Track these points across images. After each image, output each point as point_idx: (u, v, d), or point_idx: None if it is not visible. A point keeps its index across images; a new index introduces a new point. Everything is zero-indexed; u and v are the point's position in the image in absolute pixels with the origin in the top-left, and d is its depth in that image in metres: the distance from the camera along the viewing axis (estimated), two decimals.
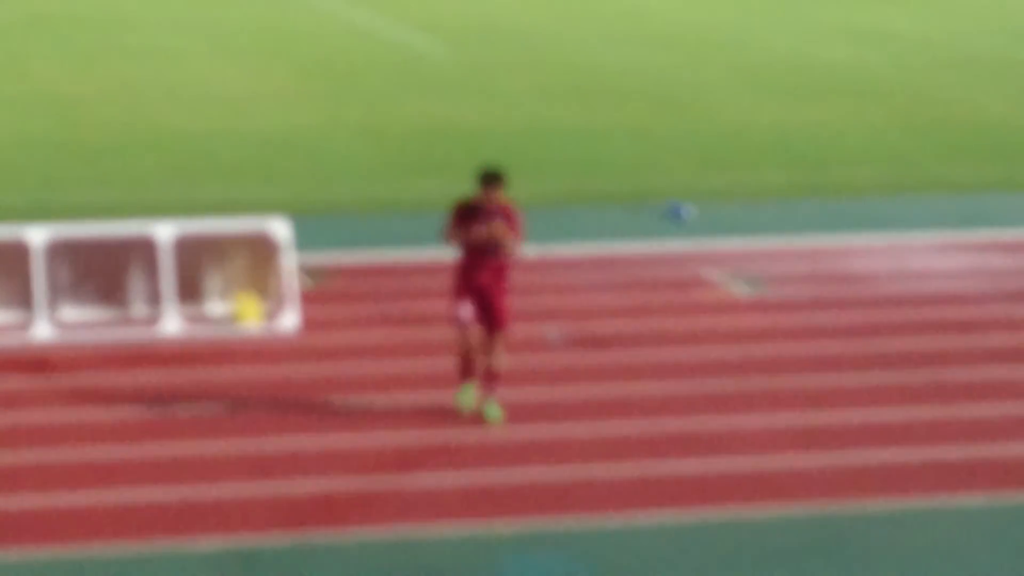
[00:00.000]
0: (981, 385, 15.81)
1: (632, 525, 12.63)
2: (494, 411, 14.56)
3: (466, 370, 14.55)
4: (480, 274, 14.27)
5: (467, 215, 14.22)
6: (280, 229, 17.49)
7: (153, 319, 17.23)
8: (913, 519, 12.82)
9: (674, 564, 12.00)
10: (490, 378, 14.57)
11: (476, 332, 14.37)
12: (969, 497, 13.20)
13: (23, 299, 17.11)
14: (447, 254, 14.74)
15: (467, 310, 14.30)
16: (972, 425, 14.78)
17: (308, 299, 17.83)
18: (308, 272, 18.65)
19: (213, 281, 17.68)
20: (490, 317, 14.36)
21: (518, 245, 14.32)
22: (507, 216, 14.18)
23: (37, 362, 16.23)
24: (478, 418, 14.54)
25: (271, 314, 17.36)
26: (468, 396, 14.56)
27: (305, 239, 18.73)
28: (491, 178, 14.12)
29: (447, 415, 14.64)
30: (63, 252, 17.34)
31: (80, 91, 30.60)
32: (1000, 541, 12.49)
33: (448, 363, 15.07)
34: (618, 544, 12.31)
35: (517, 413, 14.65)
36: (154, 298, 17.34)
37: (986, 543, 12.44)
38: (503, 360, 14.56)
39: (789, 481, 13.49)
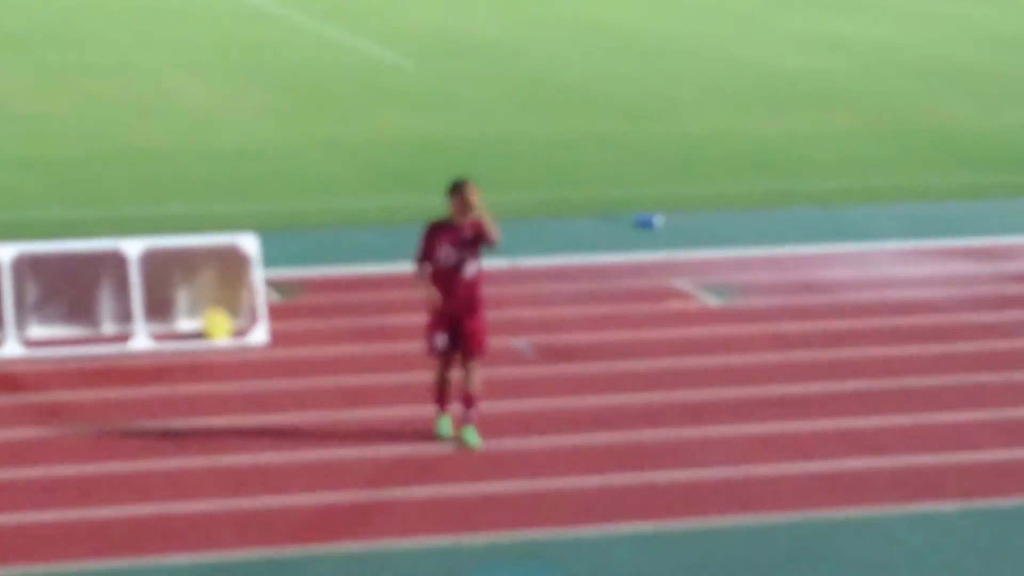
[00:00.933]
0: (950, 392, 15.88)
1: (604, 535, 12.66)
2: (472, 438, 14.44)
3: (442, 401, 14.53)
4: (454, 299, 14.22)
5: (441, 232, 14.18)
6: (249, 244, 17.50)
7: (122, 336, 17.23)
8: (885, 526, 12.87)
9: (643, 573, 12.04)
10: (467, 402, 14.45)
11: (451, 361, 14.38)
12: (940, 504, 13.25)
13: None
14: (417, 268, 14.75)
15: (442, 339, 14.27)
16: (942, 432, 14.85)
17: (277, 313, 17.84)
18: (277, 287, 18.67)
19: (182, 297, 17.68)
20: (466, 344, 14.30)
21: (495, 234, 14.18)
22: (478, 232, 14.13)
23: (5, 380, 16.20)
24: (454, 437, 14.53)
25: (240, 329, 17.37)
26: (445, 425, 14.54)
27: (273, 254, 18.75)
28: (461, 183, 14.14)
29: (418, 429, 14.65)
30: (30, 269, 17.33)
31: (47, 108, 30.58)
32: (972, 547, 12.55)
33: (418, 376, 15.11)
34: (591, 555, 12.34)
35: (489, 426, 14.65)
36: (123, 315, 17.34)
37: (958, 549, 12.50)
38: (479, 384, 14.55)
39: (760, 490, 13.53)
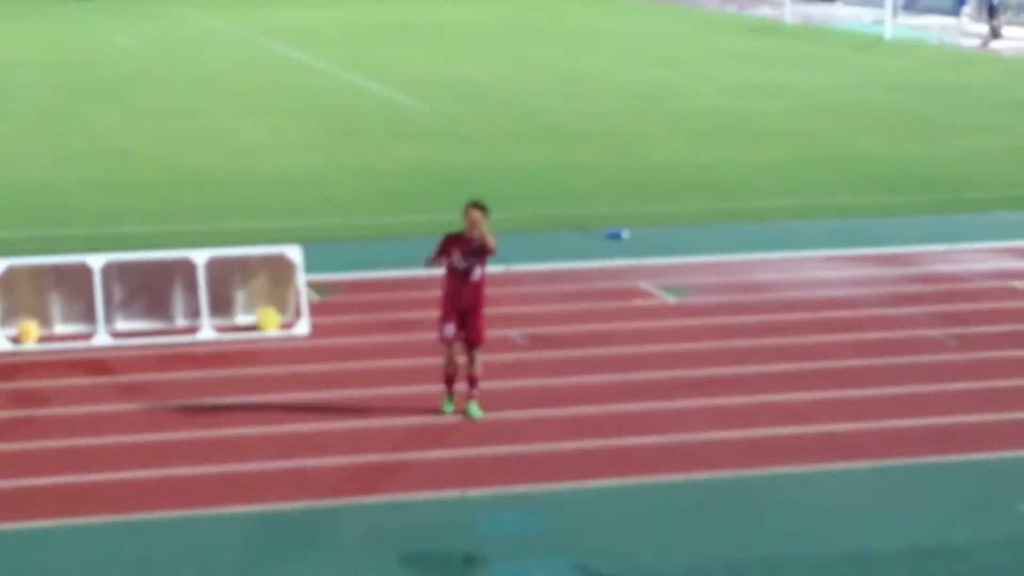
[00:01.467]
0: (861, 372, 15.90)
1: (582, 489, 12.69)
2: (475, 411, 14.47)
3: (449, 383, 14.55)
4: (462, 296, 14.30)
5: (451, 244, 14.25)
6: (294, 253, 17.53)
7: (191, 328, 17.26)
8: (809, 481, 12.91)
9: (614, 520, 12.07)
10: (471, 382, 14.48)
11: (458, 347, 14.40)
12: (853, 463, 13.30)
13: (86, 314, 17.15)
14: (429, 272, 14.76)
15: (450, 329, 14.32)
16: (854, 405, 14.88)
17: (317, 310, 17.87)
18: (316, 288, 18.68)
19: (240, 297, 17.70)
20: (470, 335, 14.36)
21: (493, 244, 14.22)
22: (481, 243, 14.18)
23: (98, 364, 16.25)
24: (459, 411, 14.55)
25: (287, 322, 17.39)
26: (449, 406, 14.55)
27: (314, 261, 18.76)
28: (475, 203, 14.19)
29: (432, 403, 14.67)
30: (117, 274, 17.36)
31: (130, 144, 30.59)
32: (878, 498, 12.59)
33: (431, 361, 15.09)
34: (570, 505, 12.36)
35: (488, 401, 14.68)
36: (192, 311, 17.37)
37: (867, 500, 12.54)
38: (480, 367, 14.57)
39: (708, 452, 13.56)
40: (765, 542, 11.65)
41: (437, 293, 14.63)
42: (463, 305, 14.28)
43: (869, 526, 11.98)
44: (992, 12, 52.76)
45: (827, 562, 11.28)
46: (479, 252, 14.17)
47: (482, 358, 14.51)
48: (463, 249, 14.18)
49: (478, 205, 14.17)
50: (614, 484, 12.80)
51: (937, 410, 14.68)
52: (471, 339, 14.35)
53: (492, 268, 18.03)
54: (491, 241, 14.10)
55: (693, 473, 13.04)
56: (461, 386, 14.53)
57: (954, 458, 13.42)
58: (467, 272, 14.23)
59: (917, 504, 12.44)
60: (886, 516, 12.19)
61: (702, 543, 11.65)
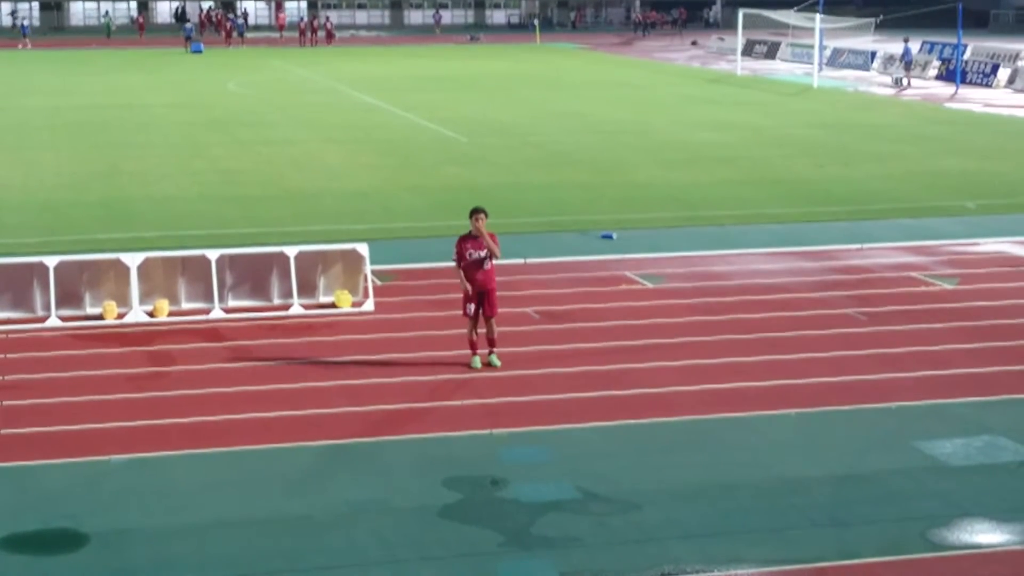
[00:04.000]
0: (792, 340, 15.84)
1: (581, 428, 12.66)
2: (496, 361, 14.53)
3: (473, 348, 14.57)
4: (478, 280, 14.33)
5: (467, 240, 14.27)
6: (362, 249, 17.52)
7: (285, 305, 17.25)
8: (753, 424, 12.86)
9: (606, 452, 12.03)
10: (491, 342, 14.58)
11: (478, 320, 14.43)
12: (787, 410, 13.24)
13: (205, 294, 17.16)
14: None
15: (471, 308, 14.42)
16: (787, 365, 14.82)
17: (379, 292, 17.85)
18: (379, 275, 18.66)
19: (322, 281, 17.69)
20: (487, 308, 14.42)
21: (498, 253, 14.39)
22: (491, 238, 14.30)
23: (213, 332, 16.26)
24: (484, 364, 14.53)
25: (357, 302, 17.38)
26: (476, 362, 14.55)
27: (378, 255, 18.75)
28: (476, 209, 14.29)
29: (465, 362, 14.65)
30: (228, 264, 17.37)
31: (239, 165, 30.60)
32: (805, 437, 12.54)
33: (464, 331, 15.04)
34: (573, 440, 12.33)
35: (509, 361, 14.66)
36: (285, 292, 17.37)
37: (797, 438, 12.49)
38: (496, 331, 14.58)
39: (678, 400, 13.52)
40: (720, 469, 11.60)
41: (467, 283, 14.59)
42: (480, 288, 14.33)
43: (798, 458, 11.93)
44: (908, 67, 52.59)
45: (767, 485, 11.23)
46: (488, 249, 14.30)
47: (508, 328, 14.43)
48: (475, 245, 14.24)
49: (479, 210, 14.26)
50: (606, 425, 12.77)
51: (851, 370, 14.60)
52: (488, 311, 14.41)
53: (513, 260, 18.05)
54: (496, 250, 14.22)
55: (666, 417, 13.00)
56: (484, 349, 14.55)
57: (864, 406, 13.35)
58: (481, 263, 14.30)
59: (835, 441, 12.38)
60: (811, 450, 12.14)
61: (672, 470, 11.60)
